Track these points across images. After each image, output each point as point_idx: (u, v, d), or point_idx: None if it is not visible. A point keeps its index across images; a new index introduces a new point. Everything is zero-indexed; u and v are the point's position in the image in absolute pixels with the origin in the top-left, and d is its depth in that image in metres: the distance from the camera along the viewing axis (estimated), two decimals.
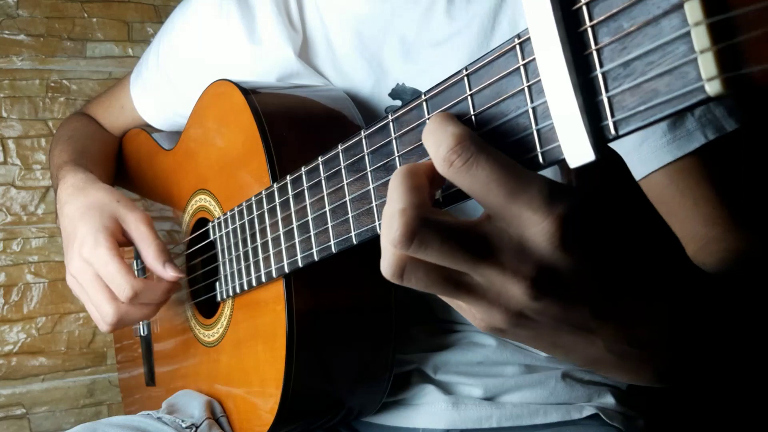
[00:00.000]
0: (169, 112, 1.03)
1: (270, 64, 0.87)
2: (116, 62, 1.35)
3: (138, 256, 1.06)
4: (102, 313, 0.81)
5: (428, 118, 0.46)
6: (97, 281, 0.80)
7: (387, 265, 0.40)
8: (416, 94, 0.81)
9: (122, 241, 0.84)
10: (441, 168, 0.38)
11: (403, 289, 0.45)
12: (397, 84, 0.82)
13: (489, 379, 0.82)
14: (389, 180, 0.41)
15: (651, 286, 0.42)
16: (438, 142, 0.38)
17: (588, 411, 0.81)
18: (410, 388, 0.84)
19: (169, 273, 0.81)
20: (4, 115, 1.24)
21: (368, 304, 0.74)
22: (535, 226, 0.37)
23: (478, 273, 0.39)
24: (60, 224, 0.90)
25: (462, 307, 0.43)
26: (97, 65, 1.35)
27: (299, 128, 0.77)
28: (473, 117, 0.42)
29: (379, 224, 0.51)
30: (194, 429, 0.78)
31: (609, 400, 0.82)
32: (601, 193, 0.42)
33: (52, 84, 1.33)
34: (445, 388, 0.83)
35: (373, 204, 0.52)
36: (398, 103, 0.82)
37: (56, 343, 1.20)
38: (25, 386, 1.17)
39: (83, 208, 0.84)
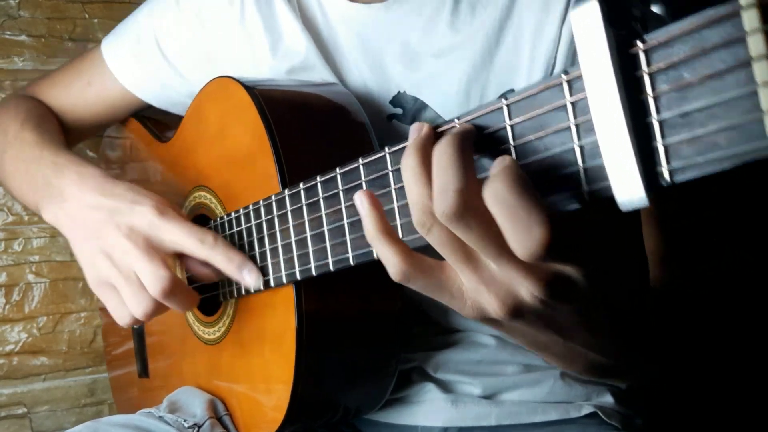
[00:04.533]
0: (158, 84, 0.97)
1: (284, 58, 0.85)
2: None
3: None
4: (156, 278, 0.69)
5: (457, 124, 0.46)
6: (151, 249, 0.70)
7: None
8: (417, 102, 0.81)
9: None
10: (521, 256, 0.39)
11: (407, 290, 0.48)
12: (399, 92, 0.82)
13: (488, 378, 0.84)
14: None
15: (620, 308, 0.50)
16: (522, 237, 0.38)
17: (586, 410, 0.82)
18: (410, 386, 0.85)
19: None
20: None
21: (376, 307, 0.75)
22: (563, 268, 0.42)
23: (500, 263, 0.41)
24: (77, 207, 0.78)
25: (454, 295, 0.46)
26: None
27: (306, 128, 0.76)
28: (513, 147, 0.42)
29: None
30: (197, 429, 0.78)
31: (607, 399, 0.84)
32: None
33: None
34: (445, 387, 0.84)
35: (398, 222, 0.51)
36: (399, 111, 0.82)
37: (57, 342, 1.19)
38: (26, 385, 1.16)
39: (126, 190, 0.75)
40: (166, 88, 0.97)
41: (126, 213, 0.72)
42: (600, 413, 0.82)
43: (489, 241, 0.40)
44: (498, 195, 0.38)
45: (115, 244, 0.72)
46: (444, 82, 0.80)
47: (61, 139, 0.94)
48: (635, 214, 0.77)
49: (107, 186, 0.76)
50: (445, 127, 0.47)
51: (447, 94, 0.80)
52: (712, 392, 1.00)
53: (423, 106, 0.81)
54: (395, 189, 0.51)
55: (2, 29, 1.19)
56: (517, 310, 0.43)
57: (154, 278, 0.69)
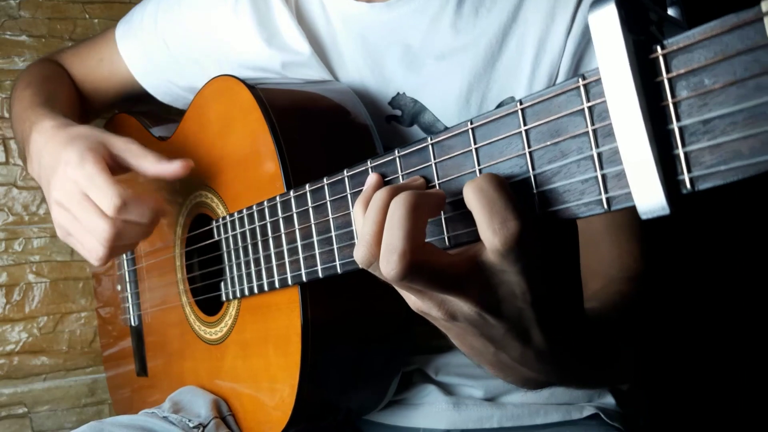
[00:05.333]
0: (163, 79, 0.99)
1: (280, 52, 0.84)
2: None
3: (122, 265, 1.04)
4: (97, 232, 0.74)
5: (470, 128, 0.46)
6: (86, 200, 0.74)
7: (361, 257, 0.46)
8: (416, 105, 0.80)
9: (111, 166, 0.76)
10: (490, 244, 0.41)
11: None
12: (398, 93, 0.81)
13: (490, 381, 0.84)
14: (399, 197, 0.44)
15: (553, 329, 0.50)
16: (497, 226, 0.41)
17: (588, 411, 0.82)
18: (411, 388, 0.85)
19: (177, 165, 0.75)
20: (6, 115, 1.20)
21: (381, 308, 0.74)
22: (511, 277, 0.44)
23: (446, 296, 0.46)
24: (39, 165, 0.83)
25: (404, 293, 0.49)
26: None
27: (310, 128, 0.75)
28: (528, 153, 0.42)
29: None
30: (201, 429, 0.78)
31: (609, 400, 0.84)
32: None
33: None
34: (447, 389, 0.84)
35: None
36: (398, 112, 0.81)
37: (58, 342, 1.19)
38: (26, 385, 1.16)
39: (67, 138, 0.78)
40: (171, 84, 0.98)
41: (60, 172, 0.76)
42: (602, 414, 0.82)
43: (434, 291, 0.45)
44: (482, 189, 0.41)
45: (59, 197, 0.76)
46: (444, 86, 0.79)
47: (54, 100, 0.96)
48: (574, 236, 0.82)
49: (50, 144, 0.80)
50: (459, 130, 0.46)
51: (447, 98, 0.79)
52: (714, 392, 1.01)
53: (422, 109, 0.80)
54: None
55: (3, 29, 1.19)
56: (453, 315, 0.47)
57: (98, 231, 0.73)
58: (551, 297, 0.47)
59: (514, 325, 0.48)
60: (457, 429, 0.83)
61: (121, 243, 0.76)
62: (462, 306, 0.46)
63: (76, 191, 0.74)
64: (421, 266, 0.42)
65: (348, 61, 0.84)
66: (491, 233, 0.40)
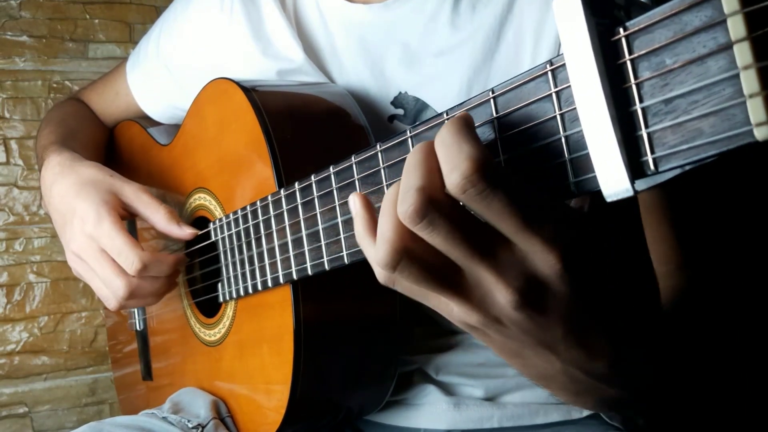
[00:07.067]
0: (167, 104, 1.01)
1: (275, 61, 0.85)
2: (118, 63, 1.34)
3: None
4: (113, 288, 0.78)
5: (446, 119, 0.45)
6: (104, 256, 0.77)
7: (384, 255, 0.39)
8: (418, 103, 0.80)
9: (123, 215, 0.81)
10: (453, 191, 0.36)
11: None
12: (399, 92, 0.81)
13: (490, 380, 0.83)
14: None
15: (621, 327, 0.45)
16: (452, 164, 0.36)
17: (588, 411, 0.81)
18: (412, 388, 0.84)
19: (186, 231, 0.79)
20: (7, 115, 1.23)
21: (375, 311, 0.74)
22: (540, 254, 0.38)
23: (473, 269, 0.40)
24: (49, 205, 0.87)
25: (441, 301, 0.43)
26: (99, 66, 1.34)
27: (303, 129, 0.76)
28: (499, 140, 0.42)
29: None
30: (200, 429, 0.78)
31: None
32: (603, 224, 0.43)
33: (55, 85, 1.32)
34: (447, 389, 0.84)
35: None
36: (400, 111, 0.82)
37: (58, 342, 1.20)
38: (27, 385, 1.17)
39: (77, 185, 0.81)
40: (176, 108, 1.00)
41: (77, 227, 0.79)
42: (601, 414, 0.81)
43: (455, 241, 0.38)
44: (440, 139, 0.37)
45: (77, 250, 0.80)
46: (445, 82, 0.79)
47: (70, 135, 0.99)
48: (640, 232, 0.76)
49: (59, 185, 0.83)
50: (435, 121, 0.47)
51: (448, 94, 0.79)
52: (713, 392, 0.99)
53: (424, 107, 0.80)
54: (387, 186, 0.51)
55: (3, 30, 1.22)
56: (497, 318, 0.41)
57: (114, 287, 0.77)
58: (601, 284, 0.41)
59: (569, 325, 0.42)
60: (457, 429, 0.82)
61: (136, 297, 0.79)
62: (501, 299, 0.40)
63: (95, 247, 0.78)
64: (443, 205, 0.37)
65: (347, 64, 0.84)
66: (448, 169, 0.36)
